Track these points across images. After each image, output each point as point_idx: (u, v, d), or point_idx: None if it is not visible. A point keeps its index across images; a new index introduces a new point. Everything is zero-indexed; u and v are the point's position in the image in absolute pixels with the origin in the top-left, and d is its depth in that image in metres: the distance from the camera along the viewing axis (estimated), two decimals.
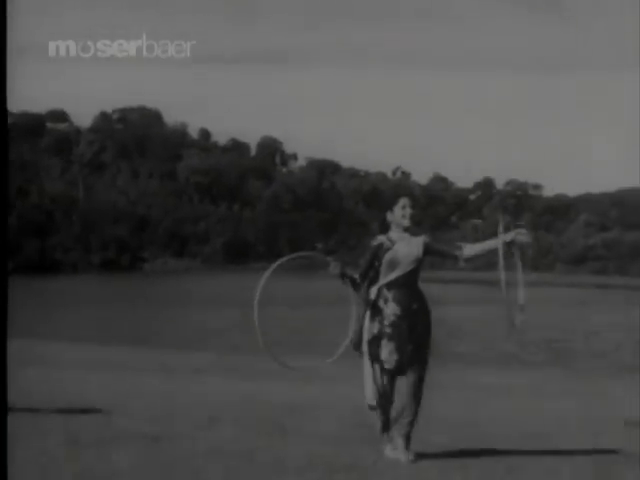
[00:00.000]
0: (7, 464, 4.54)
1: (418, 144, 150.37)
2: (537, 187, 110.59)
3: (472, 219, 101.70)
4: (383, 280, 5.70)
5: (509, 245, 5.69)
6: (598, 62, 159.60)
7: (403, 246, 5.73)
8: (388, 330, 5.61)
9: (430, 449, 5.86)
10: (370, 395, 5.65)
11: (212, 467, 5.13)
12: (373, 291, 5.72)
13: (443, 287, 43.76)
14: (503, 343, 24.21)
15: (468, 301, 44.85)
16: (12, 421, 5.17)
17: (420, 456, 5.62)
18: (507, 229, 5.73)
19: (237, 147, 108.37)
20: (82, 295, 48.50)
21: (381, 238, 5.79)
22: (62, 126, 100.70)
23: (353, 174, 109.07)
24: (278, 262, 5.66)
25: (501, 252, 5.64)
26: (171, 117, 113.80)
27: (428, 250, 5.77)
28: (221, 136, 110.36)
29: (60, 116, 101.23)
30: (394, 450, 5.67)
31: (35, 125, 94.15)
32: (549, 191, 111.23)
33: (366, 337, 5.67)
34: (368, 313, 5.69)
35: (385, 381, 5.62)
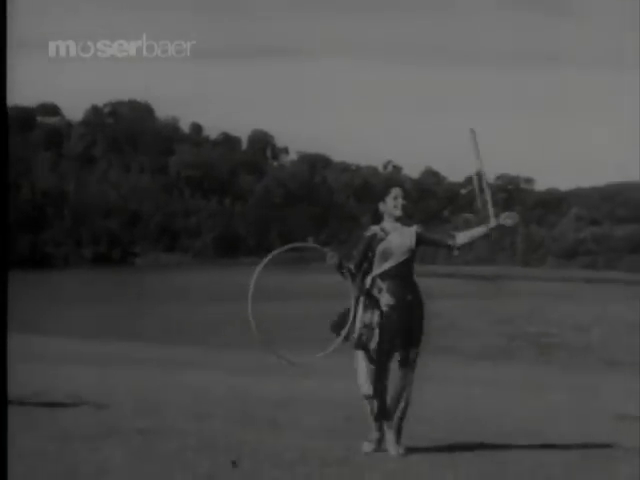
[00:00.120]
0: (7, 457, 4.54)
1: (409, 138, 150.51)
2: (529, 181, 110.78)
3: (464, 213, 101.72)
4: (377, 270, 5.68)
5: (498, 229, 5.71)
6: (592, 58, 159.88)
7: (396, 236, 5.71)
8: (380, 320, 5.60)
9: (421, 443, 5.88)
10: (365, 385, 5.65)
11: (203, 461, 5.14)
12: (368, 281, 5.71)
13: (435, 281, 43.83)
14: (492, 337, 24.30)
15: (459, 295, 44.95)
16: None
17: (411, 450, 5.63)
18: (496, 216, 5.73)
19: (228, 141, 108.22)
20: (73, 289, 48.46)
21: (374, 228, 5.77)
22: (53, 120, 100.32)
23: (344, 168, 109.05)
24: (273, 253, 5.55)
25: (479, 182, 5.75)
26: (162, 111, 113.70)
27: (421, 240, 5.75)
28: (212, 130, 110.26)
29: (51, 110, 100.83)
30: (370, 443, 5.66)
31: (25, 118, 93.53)
32: (541, 185, 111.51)
33: (358, 325, 5.66)
34: (362, 302, 5.69)
35: (377, 370, 5.59)
